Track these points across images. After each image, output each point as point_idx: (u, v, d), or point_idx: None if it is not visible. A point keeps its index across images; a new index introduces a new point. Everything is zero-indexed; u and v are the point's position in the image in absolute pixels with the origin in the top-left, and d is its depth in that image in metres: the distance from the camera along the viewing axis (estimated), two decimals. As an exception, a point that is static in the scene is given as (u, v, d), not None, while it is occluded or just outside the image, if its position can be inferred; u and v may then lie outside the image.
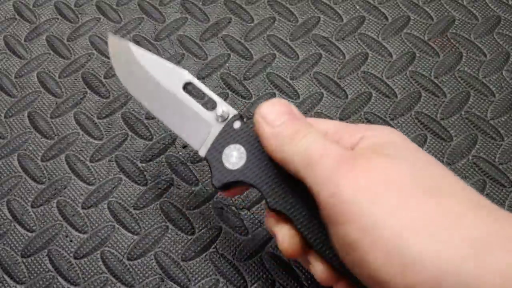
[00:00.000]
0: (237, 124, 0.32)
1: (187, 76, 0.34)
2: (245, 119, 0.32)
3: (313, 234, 0.29)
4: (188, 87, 0.34)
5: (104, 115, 0.45)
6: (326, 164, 0.27)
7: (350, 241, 0.25)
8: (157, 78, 0.34)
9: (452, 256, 0.23)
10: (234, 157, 0.31)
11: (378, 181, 0.26)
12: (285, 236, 0.30)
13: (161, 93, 0.34)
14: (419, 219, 0.24)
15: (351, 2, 0.50)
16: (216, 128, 0.32)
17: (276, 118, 0.30)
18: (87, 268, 0.38)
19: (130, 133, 0.44)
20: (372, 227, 0.24)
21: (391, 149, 0.28)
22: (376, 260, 0.24)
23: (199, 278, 0.38)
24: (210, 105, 0.34)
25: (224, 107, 0.32)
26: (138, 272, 0.38)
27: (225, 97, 0.45)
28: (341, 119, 0.44)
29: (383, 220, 0.24)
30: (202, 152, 0.33)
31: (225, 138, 0.32)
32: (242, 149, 0.31)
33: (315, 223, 0.29)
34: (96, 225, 0.40)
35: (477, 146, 0.42)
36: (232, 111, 0.32)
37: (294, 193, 0.30)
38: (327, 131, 0.31)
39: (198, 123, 0.33)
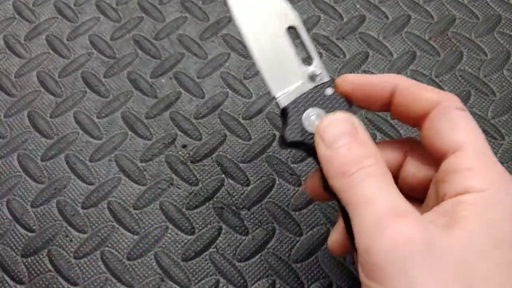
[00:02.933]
0: (329, 91, 0.31)
1: (295, 21, 0.32)
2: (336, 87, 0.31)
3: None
4: (291, 30, 0.32)
5: (103, 115, 0.45)
6: (373, 213, 0.24)
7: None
8: (266, 10, 0.32)
9: None
10: (315, 120, 0.30)
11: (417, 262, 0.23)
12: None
13: (264, 26, 0.32)
14: None
15: (351, 1, 0.50)
16: (306, 85, 0.31)
17: (334, 139, 0.27)
18: (87, 268, 0.38)
19: (130, 133, 0.44)
20: None
21: (464, 211, 0.24)
22: None
23: (199, 278, 0.38)
24: (303, 57, 0.32)
25: (320, 69, 0.31)
26: (138, 272, 0.38)
27: (233, 91, 0.45)
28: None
29: None
30: (283, 101, 0.31)
31: (313, 98, 0.31)
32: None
33: None
34: (96, 225, 0.40)
35: (477, 146, 0.42)
36: (326, 76, 0.31)
37: None
38: (400, 161, 0.28)
39: (289, 71, 0.31)
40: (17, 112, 0.45)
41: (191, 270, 0.38)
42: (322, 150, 0.27)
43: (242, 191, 0.41)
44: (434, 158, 0.28)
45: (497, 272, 0.23)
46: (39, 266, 0.39)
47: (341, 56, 0.47)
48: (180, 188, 0.41)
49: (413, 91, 0.28)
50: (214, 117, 0.44)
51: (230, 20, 0.49)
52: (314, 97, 0.31)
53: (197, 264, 0.38)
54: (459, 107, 0.28)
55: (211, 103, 0.45)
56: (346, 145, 0.26)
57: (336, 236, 0.31)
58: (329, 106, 0.30)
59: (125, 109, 0.45)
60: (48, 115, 0.45)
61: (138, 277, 0.38)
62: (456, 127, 0.27)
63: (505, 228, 0.24)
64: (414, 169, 0.29)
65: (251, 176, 0.41)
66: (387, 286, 0.23)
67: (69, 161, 0.43)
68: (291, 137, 0.30)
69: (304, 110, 0.30)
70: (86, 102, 0.45)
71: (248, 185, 0.41)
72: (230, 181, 0.41)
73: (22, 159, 0.43)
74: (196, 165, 0.42)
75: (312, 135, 0.30)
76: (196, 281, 0.38)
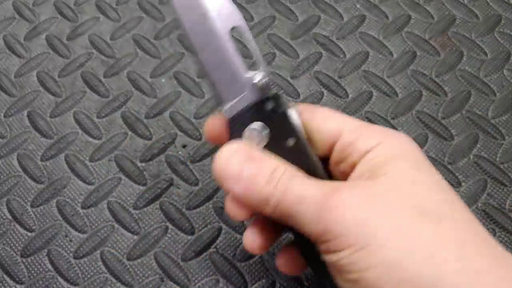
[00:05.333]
0: (269, 105, 0.29)
1: (239, 21, 0.29)
2: (279, 105, 0.29)
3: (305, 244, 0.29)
4: (233, 32, 0.30)
5: (103, 115, 0.45)
6: (313, 203, 0.26)
7: (344, 264, 0.25)
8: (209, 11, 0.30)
9: (451, 280, 0.23)
10: (256, 136, 0.29)
11: (367, 210, 0.25)
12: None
13: (207, 28, 0.30)
14: (415, 244, 0.24)
15: (351, 1, 0.50)
16: (250, 94, 0.29)
17: (238, 174, 0.28)
18: (87, 268, 0.38)
19: (129, 133, 0.44)
20: (369, 254, 0.24)
21: (398, 165, 0.27)
22: (373, 277, 0.24)
23: (199, 278, 0.38)
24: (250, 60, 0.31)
25: (264, 76, 0.29)
26: (138, 272, 0.38)
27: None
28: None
29: (380, 245, 0.24)
30: (227, 113, 0.30)
31: (256, 112, 0.29)
32: (267, 131, 0.29)
33: None
34: (96, 225, 0.40)
35: (478, 145, 0.42)
36: (269, 83, 0.29)
37: None
38: (342, 130, 0.29)
39: (234, 80, 0.30)
40: (17, 112, 0.45)
41: (191, 270, 0.38)
42: (234, 188, 0.28)
43: (242, 191, 0.41)
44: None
45: (434, 191, 0.26)
46: (38, 266, 0.39)
47: (341, 56, 0.47)
48: (180, 188, 0.41)
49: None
50: (214, 117, 0.44)
51: (230, 20, 0.49)
52: (257, 111, 0.29)
53: (197, 264, 0.38)
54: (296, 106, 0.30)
55: (211, 103, 0.45)
56: (251, 172, 0.27)
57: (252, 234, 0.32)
58: (270, 122, 0.29)
59: (125, 109, 0.45)
60: (48, 115, 0.45)
61: (138, 277, 0.38)
62: (327, 118, 0.30)
63: (417, 156, 0.28)
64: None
65: (251, 176, 0.41)
66: (356, 244, 0.25)
67: (69, 161, 0.43)
68: None
69: (245, 125, 0.30)
70: (86, 102, 0.45)
71: (248, 185, 0.41)
72: (230, 181, 0.41)
73: (22, 159, 0.43)
74: (196, 165, 0.42)
75: None
76: (196, 281, 0.38)
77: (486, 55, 0.46)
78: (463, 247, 0.24)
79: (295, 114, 0.29)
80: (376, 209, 0.25)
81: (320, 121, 0.30)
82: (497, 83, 0.45)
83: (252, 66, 0.30)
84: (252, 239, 0.31)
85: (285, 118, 0.29)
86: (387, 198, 0.26)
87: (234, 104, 0.30)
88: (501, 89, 0.45)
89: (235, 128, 0.30)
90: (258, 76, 0.29)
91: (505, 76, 0.45)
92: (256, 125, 0.29)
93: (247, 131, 0.30)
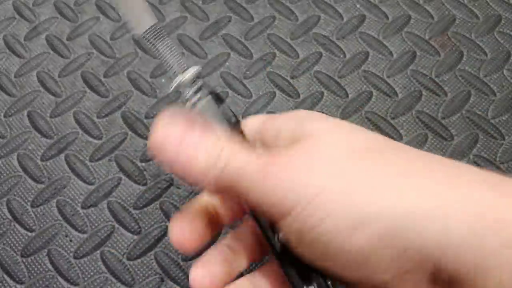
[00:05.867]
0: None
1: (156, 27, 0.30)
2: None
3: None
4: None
5: (103, 114, 0.45)
6: (248, 181, 0.25)
7: (299, 226, 0.24)
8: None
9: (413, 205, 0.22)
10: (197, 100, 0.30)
11: (307, 166, 0.24)
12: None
13: None
14: (361, 178, 0.23)
15: (351, 1, 0.50)
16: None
17: (175, 152, 0.25)
18: (87, 268, 0.38)
19: (129, 133, 0.44)
20: (320, 205, 0.23)
21: (312, 127, 0.26)
22: (331, 225, 0.23)
23: (199, 278, 0.38)
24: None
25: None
26: (138, 272, 0.38)
27: (233, 91, 0.45)
28: (341, 118, 0.44)
29: (329, 193, 0.23)
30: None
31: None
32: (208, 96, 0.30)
33: None
34: (96, 224, 0.40)
35: (478, 145, 0.42)
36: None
37: None
38: (253, 131, 0.29)
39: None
40: (17, 112, 0.45)
41: (191, 270, 0.38)
42: (172, 170, 0.26)
43: (242, 191, 0.41)
44: None
45: (360, 131, 0.26)
46: (39, 266, 0.39)
47: (341, 56, 0.47)
48: (180, 188, 0.41)
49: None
50: (214, 117, 0.44)
51: (230, 20, 0.49)
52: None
53: (197, 264, 0.38)
54: None
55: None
56: (189, 153, 0.25)
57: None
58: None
59: (125, 109, 0.45)
60: (48, 115, 0.45)
61: (138, 277, 0.38)
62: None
63: (342, 123, 0.27)
64: None
65: (251, 176, 0.41)
66: (304, 200, 0.24)
67: (69, 161, 0.43)
68: None
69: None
70: (86, 102, 0.45)
71: (248, 185, 0.41)
72: (230, 181, 0.41)
73: (22, 159, 0.43)
74: (196, 165, 0.42)
75: None
76: (196, 281, 0.38)
77: (486, 55, 0.46)
78: (410, 168, 0.24)
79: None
80: (315, 163, 0.24)
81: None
82: (497, 83, 0.45)
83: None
84: (181, 231, 0.28)
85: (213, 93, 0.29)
86: (319, 150, 0.25)
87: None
88: (501, 89, 0.45)
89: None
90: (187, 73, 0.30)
91: (505, 76, 0.45)
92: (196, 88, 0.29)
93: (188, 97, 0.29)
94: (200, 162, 0.25)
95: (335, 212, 0.23)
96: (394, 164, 0.24)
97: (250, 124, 0.30)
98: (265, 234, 0.29)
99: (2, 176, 0.42)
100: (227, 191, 0.26)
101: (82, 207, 0.41)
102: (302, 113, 0.28)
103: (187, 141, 0.26)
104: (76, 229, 0.40)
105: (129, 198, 0.41)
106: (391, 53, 0.47)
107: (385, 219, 0.22)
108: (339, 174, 0.24)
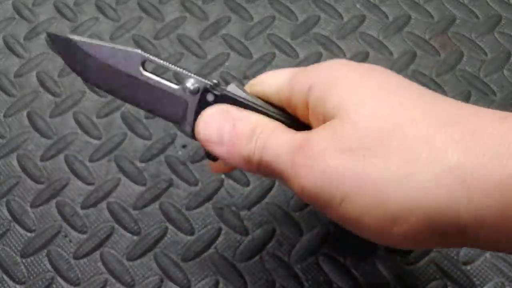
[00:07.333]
0: (210, 97, 0.30)
1: (142, 55, 0.31)
2: (217, 90, 0.30)
3: None
4: (146, 66, 0.31)
5: (103, 115, 0.45)
6: (281, 165, 0.26)
7: (337, 220, 0.26)
8: (112, 65, 0.31)
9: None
10: None
11: (335, 156, 0.25)
12: None
13: (122, 79, 0.31)
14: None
15: (351, 1, 0.50)
16: (193, 102, 0.30)
17: (219, 136, 0.28)
18: (87, 269, 0.38)
19: (129, 133, 0.44)
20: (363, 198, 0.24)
21: (337, 95, 0.26)
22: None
23: (199, 278, 0.38)
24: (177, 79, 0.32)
25: (191, 79, 0.30)
26: (138, 272, 0.38)
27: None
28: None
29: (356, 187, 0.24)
30: (188, 129, 0.31)
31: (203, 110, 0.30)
32: None
33: None
34: (96, 225, 0.40)
35: (478, 146, 0.42)
36: (202, 83, 0.30)
37: None
38: (282, 85, 0.29)
39: (172, 101, 0.31)
40: (17, 112, 0.45)
41: (191, 271, 0.38)
42: (217, 151, 0.29)
43: (242, 192, 0.41)
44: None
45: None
46: (38, 267, 0.38)
47: (341, 56, 0.47)
48: (180, 188, 0.41)
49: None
50: (214, 117, 0.44)
51: (229, 20, 0.49)
52: (203, 108, 0.30)
53: (197, 265, 0.38)
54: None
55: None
56: (232, 134, 0.28)
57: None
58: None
59: (125, 109, 0.45)
60: (48, 115, 0.45)
61: (138, 278, 0.38)
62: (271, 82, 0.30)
63: (349, 73, 0.28)
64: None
65: (251, 177, 0.41)
66: (339, 193, 0.25)
67: (68, 161, 0.43)
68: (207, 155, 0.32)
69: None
70: (85, 102, 0.45)
71: (248, 185, 0.41)
72: (230, 181, 0.41)
73: (22, 159, 0.43)
74: (196, 166, 0.42)
75: None
76: (196, 281, 0.38)
77: (486, 55, 0.46)
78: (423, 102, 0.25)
79: (235, 87, 0.30)
80: (342, 148, 0.25)
81: (266, 86, 0.30)
82: (497, 83, 0.45)
83: (180, 80, 0.31)
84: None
85: (228, 97, 0.30)
86: (345, 135, 0.25)
87: (188, 118, 0.31)
88: (501, 89, 0.45)
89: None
90: (187, 83, 0.30)
91: (505, 76, 0.45)
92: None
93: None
94: (240, 148, 0.28)
95: (372, 208, 0.24)
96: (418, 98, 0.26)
97: (274, 79, 0.30)
98: None
99: (1, 177, 0.42)
100: (270, 175, 0.28)
101: (82, 208, 0.41)
102: (333, 71, 0.28)
103: (227, 133, 0.28)
104: (76, 230, 0.40)
105: (128, 199, 0.41)
106: (391, 53, 0.47)
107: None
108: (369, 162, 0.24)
